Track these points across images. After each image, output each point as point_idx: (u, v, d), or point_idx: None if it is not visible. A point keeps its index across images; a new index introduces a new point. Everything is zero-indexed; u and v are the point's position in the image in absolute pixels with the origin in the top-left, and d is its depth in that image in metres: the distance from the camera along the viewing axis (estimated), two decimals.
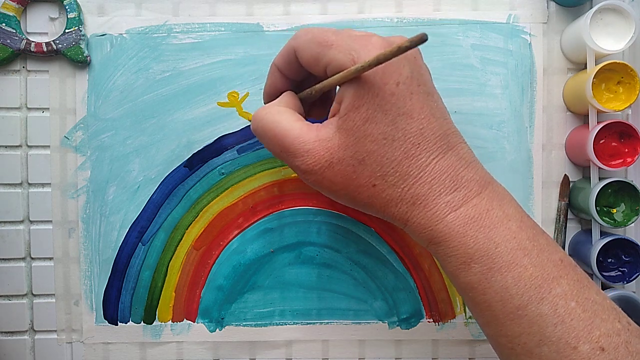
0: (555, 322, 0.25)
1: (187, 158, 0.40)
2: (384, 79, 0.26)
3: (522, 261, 0.25)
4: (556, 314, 0.25)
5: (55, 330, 0.41)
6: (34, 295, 0.41)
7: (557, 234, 0.40)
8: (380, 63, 0.24)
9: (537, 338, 0.25)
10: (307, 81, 0.32)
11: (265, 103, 0.33)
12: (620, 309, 0.27)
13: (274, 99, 0.32)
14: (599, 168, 0.37)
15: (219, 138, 0.40)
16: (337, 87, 0.28)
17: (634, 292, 0.38)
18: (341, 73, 0.26)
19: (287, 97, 0.30)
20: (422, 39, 0.23)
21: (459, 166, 0.27)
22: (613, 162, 0.37)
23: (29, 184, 0.40)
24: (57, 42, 0.39)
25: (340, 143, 0.26)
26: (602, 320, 0.25)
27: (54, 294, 0.41)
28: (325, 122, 0.28)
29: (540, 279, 0.25)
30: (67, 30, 0.39)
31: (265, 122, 0.28)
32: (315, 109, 0.34)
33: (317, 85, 0.29)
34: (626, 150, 0.37)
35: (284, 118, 0.28)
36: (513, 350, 0.26)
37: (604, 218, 0.37)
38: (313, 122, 0.29)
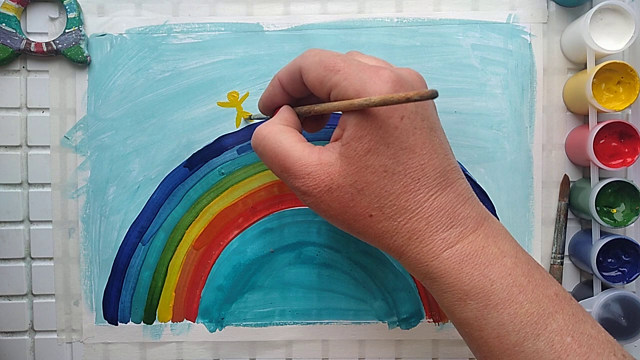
0: (551, 358, 0.25)
1: (187, 158, 0.40)
2: (388, 112, 0.26)
3: (518, 298, 0.26)
4: (552, 350, 0.25)
5: (55, 330, 0.41)
6: (34, 295, 0.41)
7: (557, 234, 0.40)
8: (386, 105, 0.24)
9: None
10: (307, 99, 0.32)
11: (260, 111, 0.33)
12: (615, 341, 0.27)
13: (270, 110, 0.32)
14: (599, 168, 0.37)
15: (219, 138, 0.40)
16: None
17: (634, 292, 0.38)
18: (345, 102, 0.26)
19: (286, 114, 0.30)
20: (433, 95, 0.23)
21: (456, 203, 0.27)
22: (613, 162, 0.37)
23: (29, 184, 0.40)
24: (57, 42, 0.39)
25: (341, 170, 0.26)
26: (597, 355, 0.25)
27: (54, 294, 0.41)
28: (327, 145, 0.28)
29: (537, 315, 0.25)
30: (67, 30, 0.39)
31: (267, 141, 0.28)
32: (309, 123, 0.34)
33: (318, 107, 0.29)
34: (626, 150, 0.37)
35: (286, 138, 0.28)
36: None
37: (604, 218, 0.37)
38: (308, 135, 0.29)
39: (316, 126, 0.34)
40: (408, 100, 0.24)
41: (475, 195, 0.28)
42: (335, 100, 0.27)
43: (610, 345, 0.26)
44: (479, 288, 0.26)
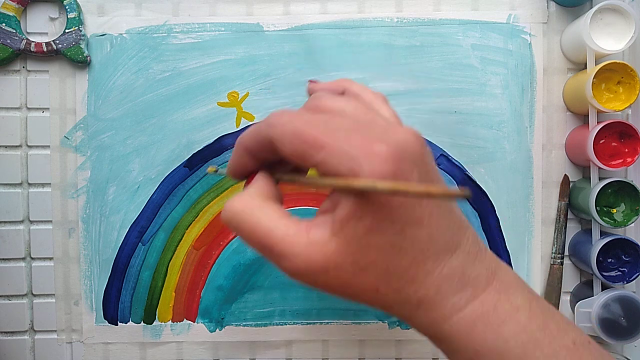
0: None
1: (187, 158, 0.40)
2: None
3: (534, 354, 0.24)
4: None
5: (55, 330, 0.41)
6: (34, 295, 0.41)
7: (557, 234, 0.40)
8: (395, 195, 0.21)
9: None
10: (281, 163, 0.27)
11: (231, 178, 0.28)
12: None
13: (241, 177, 0.28)
14: (599, 168, 0.37)
15: (219, 138, 0.40)
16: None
17: (634, 292, 0.38)
18: (341, 182, 0.21)
19: (262, 183, 0.26)
20: (465, 195, 0.19)
21: (467, 263, 0.25)
22: (613, 162, 0.37)
23: (29, 184, 0.40)
24: (57, 42, 0.39)
25: (337, 249, 0.23)
26: None
27: (54, 294, 0.40)
28: (316, 220, 0.24)
29: None
30: (67, 30, 0.39)
31: (241, 218, 0.24)
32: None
33: (303, 181, 0.25)
34: (626, 150, 0.37)
35: (265, 214, 0.24)
36: None
37: (604, 218, 0.37)
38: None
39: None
40: (429, 196, 0.20)
41: (483, 243, 0.26)
42: (322, 175, 0.23)
43: None
44: (492, 348, 0.24)
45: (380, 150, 0.22)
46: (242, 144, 0.26)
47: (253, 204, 0.24)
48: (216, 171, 0.34)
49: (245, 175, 0.28)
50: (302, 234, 0.23)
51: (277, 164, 0.27)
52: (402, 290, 0.24)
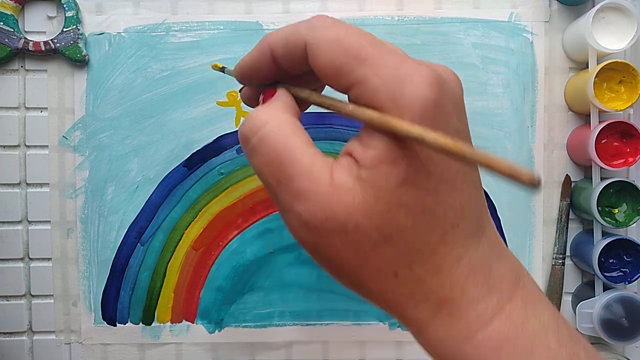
0: None
1: (186, 158, 0.40)
2: (432, 127, 0.18)
3: None
4: None
5: (54, 331, 0.40)
6: (32, 296, 0.40)
7: (559, 235, 0.40)
8: (442, 152, 0.17)
9: None
10: (303, 77, 0.23)
11: (238, 80, 0.24)
12: None
13: (247, 82, 0.24)
14: (601, 168, 0.37)
15: (218, 138, 0.40)
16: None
17: (636, 293, 0.38)
18: (376, 117, 0.18)
19: (289, 99, 0.22)
20: (535, 181, 0.15)
21: (491, 258, 0.20)
22: (615, 162, 0.37)
23: (27, 184, 0.40)
24: (55, 41, 0.39)
25: (364, 203, 0.18)
26: None
27: (52, 295, 0.40)
28: (341, 161, 0.19)
29: None
30: (65, 29, 0.39)
31: (265, 134, 0.20)
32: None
33: (330, 103, 0.21)
34: (628, 150, 0.37)
35: (295, 135, 0.20)
36: None
37: (605, 218, 0.37)
38: None
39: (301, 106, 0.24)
40: (490, 167, 0.16)
41: (503, 242, 0.22)
42: (355, 101, 0.19)
43: None
44: None
45: (426, 73, 0.18)
46: (267, 42, 0.22)
47: (282, 120, 0.20)
48: (223, 69, 0.29)
49: (255, 81, 0.23)
50: (326, 173, 0.19)
51: (295, 82, 0.23)
52: (424, 282, 0.19)
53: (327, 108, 0.21)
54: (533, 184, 0.15)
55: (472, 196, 0.20)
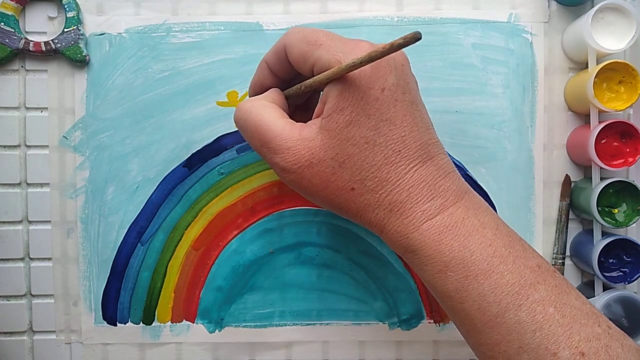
0: (533, 329, 0.25)
1: (186, 158, 0.40)
2: (369, 83, 0.26)
3: (499, 268, 0.25)
4: (534, 321, 0.25)
5: (54, 331, 0.40)
6: (33, 296, 0.40)
7: (559, 235, 0.40)
8: (372, 61, 0.24)
9: (517, 345, 0.25)
10: (294, 82, 0.31)
11: (250, 96, 0.33)
12: (600, 313, 0.27)
13: (259, 93, 0.32)
14: (601, 168, 0.37)
15: (218, 138, 0.40)
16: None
17: (635, 293, 0.38)
18: (332, 69, 0.26)
19: (273, 93, 0.30)
20: (416, 37, 0.23)
21: (437, 176, 0.27)
22: (614, 162, 0.37)
23: (28, 184, 0.40)
24: (56, 41, 0.39)
25: (322, 144, 0.27)
26: (581, 325, 0.25)
27: (52, 295, 0.40)
28: (309, 122, 0.28)
29: (518, 286, 0.25)
30: (65, 30, 0.39)
31: (248, 114, 0.28)
32: (298, 113, 0.34)
33: (307, 81, 0.29)
34: (628, 150, 0.37)
35: (268, 112, 0.28)
36: (494, 358, 0.26)
37: (605, 218, 0.37)
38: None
39: (305, 116, 0.33)
40: (392, 47, 0.24)
41: (457, 170, 0.29)
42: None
43: (595, 316, 0.26)
44: (458, 259, 0.26)
45: (365, 45, 0.26)
46: (263, 60, 0.31)
47: (259, 104, 0.29)
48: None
49: (262, 92, 0.31)
50: (295, 132, 0.27)
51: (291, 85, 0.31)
52: (375, 191, 0.26)
53: (306, 89, 0.29)
54: (417, 37, 0.23)
55: (413, 131, 0.27)
